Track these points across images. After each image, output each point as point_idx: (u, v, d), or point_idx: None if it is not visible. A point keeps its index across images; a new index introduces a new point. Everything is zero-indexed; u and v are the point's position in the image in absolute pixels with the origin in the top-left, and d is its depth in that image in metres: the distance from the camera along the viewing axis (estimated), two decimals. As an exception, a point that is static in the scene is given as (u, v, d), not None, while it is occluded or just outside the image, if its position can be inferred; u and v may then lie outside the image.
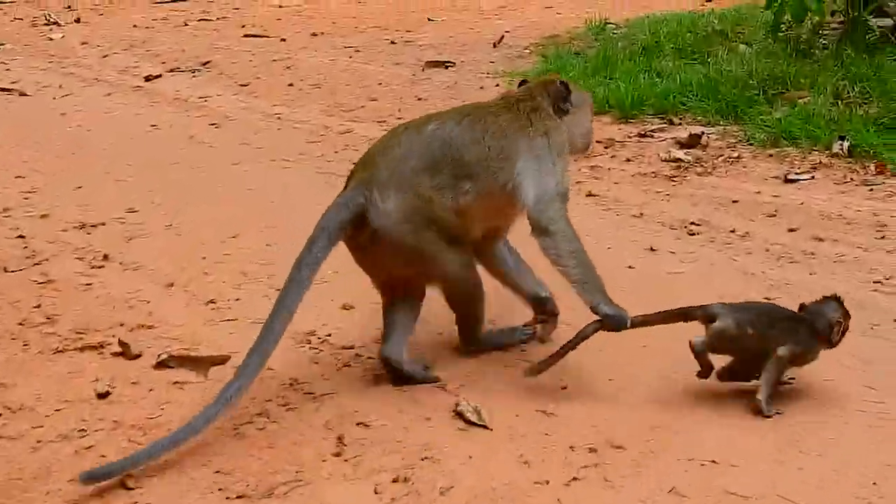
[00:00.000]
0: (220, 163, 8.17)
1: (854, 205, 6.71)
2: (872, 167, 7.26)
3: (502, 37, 12.19)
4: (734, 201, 6.91)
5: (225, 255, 6.19)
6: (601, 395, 4.55)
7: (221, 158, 8.29)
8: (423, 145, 4.63)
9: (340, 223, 4.54)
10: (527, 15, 13.63)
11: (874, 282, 5.57)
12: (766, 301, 5.00)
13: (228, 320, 5.36)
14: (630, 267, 5.86)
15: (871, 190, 6.94)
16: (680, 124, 8.53)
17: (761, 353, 4.32)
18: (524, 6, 14.20)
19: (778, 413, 4.29)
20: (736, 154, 7.80)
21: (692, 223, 6.53)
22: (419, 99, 9.92)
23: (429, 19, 13.69)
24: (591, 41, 11.68)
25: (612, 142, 8.28)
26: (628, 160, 7.90)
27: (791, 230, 6.35)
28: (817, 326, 4.39)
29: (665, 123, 8.56)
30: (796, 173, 7.33)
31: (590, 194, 7.16)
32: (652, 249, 6.12)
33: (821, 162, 7.48)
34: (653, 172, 7.54)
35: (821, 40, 9.99)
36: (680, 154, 7.81)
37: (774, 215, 6.62)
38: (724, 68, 9.39)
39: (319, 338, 5.11)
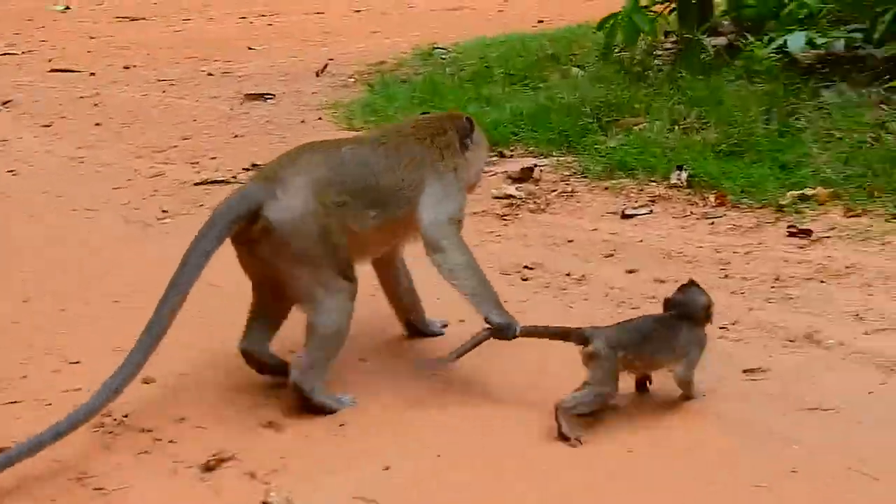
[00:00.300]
0: (15, 215, 7.53)
1: (695, 241, 6.38)
2: (712, 198, 6.95)
3: (326, 65, 11.69)
4: (569, 241, 6.51)
5: (13, 324, 5.54)
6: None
7: (17, 210, 7.63)
8: (337, 161, 4.68)
9: (235, 215, 4.49)
10: (352, 41, 13.15)
11: (720, 327, 5.19)
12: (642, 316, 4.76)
13: (12, 402, 4.72)
14: (461, 321, 5.39)
15: (712, 224, 6.62)
16: (511, 157, 8.10)
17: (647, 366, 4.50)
18: (350, 32, 13.72)
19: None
20: (570, 188, 7.43)
21: (525, 267, 6.11)
22: (236, 136, 9.40)
23: (249, 48, 13.07)
24: (419, 67, 11.24)
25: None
26: (457, 199, 7.44)
27: (630, 272, 5.99)
28: (693, 315, 4.54)
29: (496, 156, 8.12)
30: (633, 208, 6.98)
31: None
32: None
33: (659, 194, 7.15)
34: (483, 211, 7.10)
35: (655, 62, 9.70)
36: (511, 190, 7.40)
37: (612, 255, 6.25)
38: (556, 94, 9.03)
39: (115, 419, 4.52)
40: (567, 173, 7.71)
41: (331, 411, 4.55)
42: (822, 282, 5.69)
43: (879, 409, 4.44)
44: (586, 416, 4.33)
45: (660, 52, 9.93)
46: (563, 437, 4.24)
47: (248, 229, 4.48)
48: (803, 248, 6.18)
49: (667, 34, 9.98)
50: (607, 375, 4.34)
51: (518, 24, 12.96)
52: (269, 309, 4.78)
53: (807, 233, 6.31)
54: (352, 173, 4.65)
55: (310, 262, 4.51)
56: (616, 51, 9.77)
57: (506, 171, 7.80)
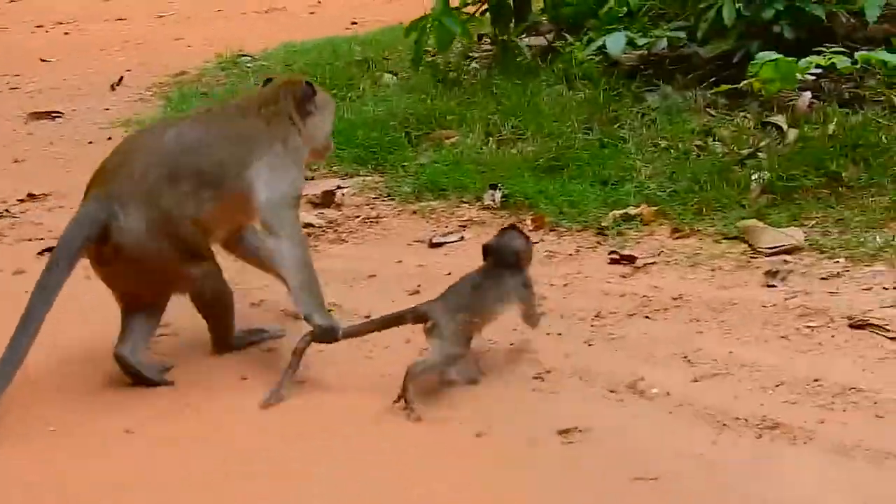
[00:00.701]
0: None
1: (508, 272, 5.75)
2: (529, 221, 6.36)
3: (121, 78, 10.86)
4: (371, 276, 5.90)
5: None
6: None
7: None
8: (163, 153, 4.69)
9: (82, 240, 4.58)
10: (153, 49, 12.24)
11: (534, 377, 4.65)
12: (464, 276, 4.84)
13: None
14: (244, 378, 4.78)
15: (528, 251, 6.01)
16: (313, 178, 7.43)
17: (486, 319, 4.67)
18: (152, 39, 12.80)
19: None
20: (376, 213, 6.84)
21: (321, 310, 5.42)
22: (16, 161, 8.58)
23: (42, 60, 12.13)
24: (223, 77, 10.51)
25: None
26: (252, 231, 6.77)
27: (435, 312, 5.33)
28: (510, 261, 4.74)
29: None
30: (443, 234, 6.38)
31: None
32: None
33: (471, 218, 6.60)
34: (278, 244, 6.42)
35: (471, 67, 9.13)
36: (311, 217, 6.73)
37: (417, 292, 5.62)
38: (364, 106, 8.39)
39: None
40: (373, 196, 7.11)
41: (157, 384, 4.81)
42: (647, 317, 5.19)
43: (711, 475, 3.94)
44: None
45: (476, 56, 9.36)
46: (405, 404, 4.36)
47: (99, 249, 4.59)
48: (627, 277, 5.67)
49: (480, 37, 9.41)
50: (455, 336, 4.46)
51: (331, 27, 12.26)
52: (137, 313, 4.82)
53: (630, 259, 5.79)
54: (180, 159, 4.66)
55: (168, 265, 4.68)
56: (428, 56, 9.16)
57: (307, 195, 7.13)
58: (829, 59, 6.22)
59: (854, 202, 6.13)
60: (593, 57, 8.08)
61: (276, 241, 4.72)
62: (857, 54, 6.28)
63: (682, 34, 7.87)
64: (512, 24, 8.72)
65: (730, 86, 6.94)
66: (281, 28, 12.59)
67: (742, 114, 7.29)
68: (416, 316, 4.55)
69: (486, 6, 8.59)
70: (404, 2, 11.63)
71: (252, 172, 4.71)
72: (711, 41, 7.71)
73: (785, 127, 6.91)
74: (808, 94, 7.02)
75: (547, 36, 9.20)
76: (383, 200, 7.01)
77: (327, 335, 4.66)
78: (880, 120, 6.79)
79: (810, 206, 6.14)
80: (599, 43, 7.89)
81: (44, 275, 4.53)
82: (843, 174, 6.25)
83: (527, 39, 9.26)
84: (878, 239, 5.70)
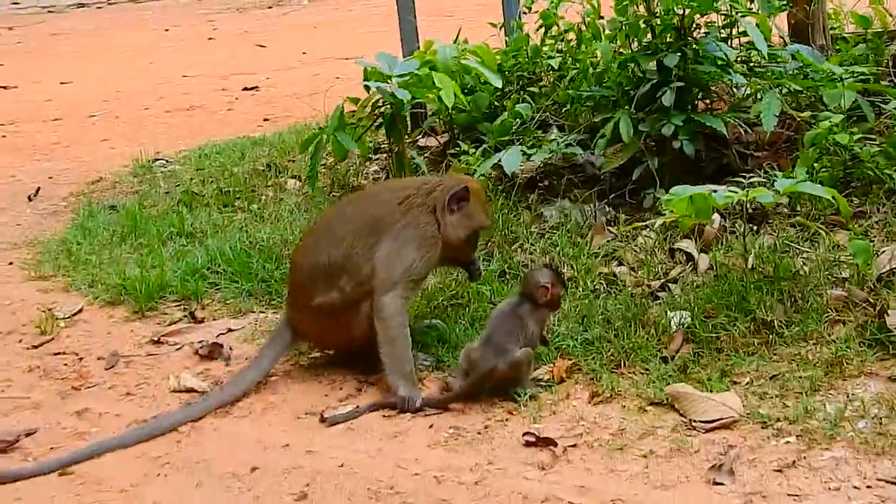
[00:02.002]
0: None
1: (409, 461, 3.92)
2: (432, 386, 4.40)
3: (38, 189, 8.68)
4: (253, 468, 3.94)
5: None
6: None
7: None
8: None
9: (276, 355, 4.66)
10: (78, 152, 10.03)
11: None
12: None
13: None
14: None
15: (433, 428, 4.08)
16: (203, 320, 5.42)
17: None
18: (79, 140, 10.59)
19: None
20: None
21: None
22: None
23: (-31, 166, 9.91)
24: (136, 185, 8.41)
25: (117, 358, 5.09)
26: (128, 394, 4.76)
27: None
28: (528, 293, 4.28)
29: (187, 319, 5.46)
30: (339, 401, 4.42)
31: (63, 473, 4.03)
32: None
33: (367, 379, 4.58)
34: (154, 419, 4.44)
35: (370, 173, 7.17)
36: (193, 380, 4.75)
37: (304, 497, 3.67)
38: (259, 226, 6.39)
39: None
40: (258, 346, 5.09)
41: None
42: (578, 542, 3.27)
43: None
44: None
45: (374, 162, 7.41)
46: None
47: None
48: (547, 469, 3.78)
49: (377, 150, 7.45)
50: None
51: (244, 125, 10.23)
52: None
53: (549, 442, 3.90)
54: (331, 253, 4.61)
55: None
56: (327, 166, 7.19)
57: (196, 343, 5.14)
58: (750, 192, 4.33)
59: (788, 352, 4.28)
60: (489, 172, 6.14)
61: (379, 322, 4.40)
62: (778, 185, 4.42)
63: (578, 149, 5.96)
64: (406, 136, 6.74)
65: (641, 223, 5.05)
66: (201, 126, 10.51)
67: (644, 233, 5.42)
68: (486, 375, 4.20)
69: (380, 120, 6.63)
70: (311, 101, 9.67)
71: (379, 253, 4.45)
72: (608, 155, 5.82)
73: (695, 254, 5.04)
74: (717, 217, 5.16)
75: (440, 138, 7.28)
76: (277, 349, 5.01)
77: (405, 404, 4.25)
78: (796, 243, 4.95)
79: (740, 359, 4.27)
80: (495, 160, 5.95)
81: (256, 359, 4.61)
82: (769, 317, 4.38)
83: (422, 141, 7.36)
84: (827, 408, 3.86)
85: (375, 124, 6.78)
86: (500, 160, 5.90)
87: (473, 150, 6.59)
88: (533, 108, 6.51)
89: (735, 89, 6.12)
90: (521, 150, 5.93)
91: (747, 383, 4.11)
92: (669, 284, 4.88)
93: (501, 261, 5.42)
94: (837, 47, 6.70)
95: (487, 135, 6.81)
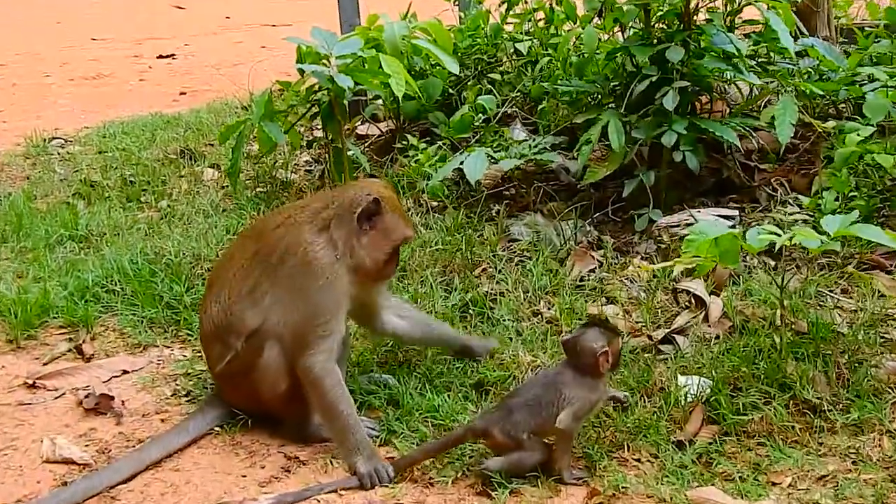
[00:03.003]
0: None
1: None
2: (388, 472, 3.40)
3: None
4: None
5: None
6: None
7: None
8: None
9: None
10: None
11: None
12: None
13: None
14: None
15: None
16: (93, 357, 4.37)
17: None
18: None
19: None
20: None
21: None
22: None
23: None
24: (28, 169, 7.21)
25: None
26: (-12, 465, 3.69)
27: None
28: (582, 367, 3.31)
29: (74, 355, 4.39)
30: (259, 491, 3.39)
31: None
32: None
33: (296, 454, 3.58)
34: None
35: (300, 174, 6.13)
36: (71, 449, 3.70)
37: None
38: (168, 231, 5.33)
39: None
40: (168, 393, 4.10)
41: None
42: None
43: None
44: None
45: (305, 158, 6.36)
46: None
47: None
48: None
49: (310, 144, 6.39)
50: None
51: (157, 98, 9.07)
52: None
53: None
54: None
55: None
56: (251, 161, 6.13)
57: (76, 392, 4.08)
58: (796, 234, 3.39)
59: (840, 445, 3.36)
60: (447, 179, 5.16)
61: (305, 387, 3.54)
62: (828, 226, 3.46)
63: (554, 155, 5.00)
64: (346, 128, 5.69)
65: (650, 267, 4.08)
66: (107, 99, 9.31)
67: (636, 258, 4.49)
68: (476, 433, 3.36)
69: (316, 109, 5.58)
70: (234, 73, 8.55)
71: (266, 303, 3.60)
72: (592, 165, 4.85)
73: (706, 298, 4.11)
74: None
75: (382, 126, 6.27)
76: (181, 403, 3.99)
77: (369, 480, 3.36)
78: (828, 288, 4.04)
79: (777, 451, 3.36)
80: (455, 164, 4.96)
81: None
82: (812, 394, 3.47)
83: (362, 128, 6.35)
84: (901, 530, 2.94)
85: (310, 113, 5.72)
86: (461, 164, 4.90)
87: (424, 146, 5.61)
88: (497, 101, 5.51)
89: (738, 90, 5.19)
90: (487, 154, 4.94)
91: (790, 485, 3.20)
92: (675, 336, 3.94)
93: (463, 290, 4.44)
94: (843, 40, 5.82)
95: (440, 127, 5.83)
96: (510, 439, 3.28)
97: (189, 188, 6.26)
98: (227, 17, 13.17)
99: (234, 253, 3.76)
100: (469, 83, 5.92)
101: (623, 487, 3.24)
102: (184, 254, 4.97)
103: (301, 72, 5.35)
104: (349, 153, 5.49)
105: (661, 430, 3.45)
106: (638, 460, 3.39)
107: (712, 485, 3.19)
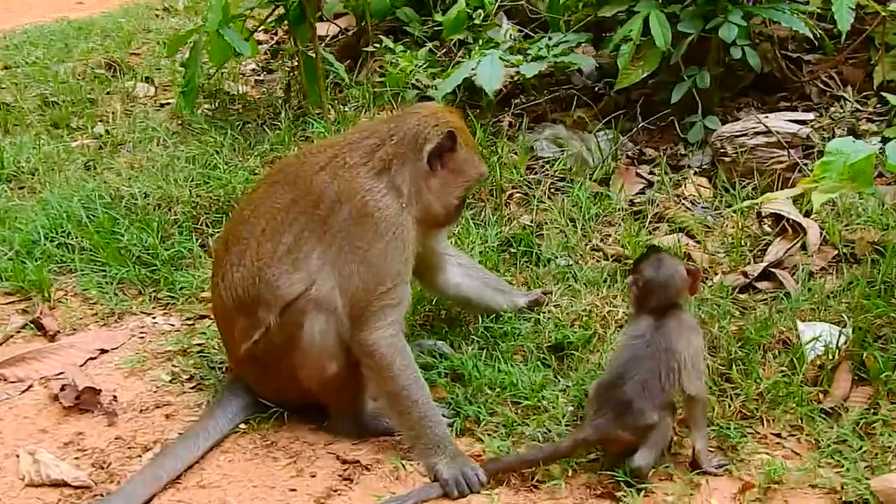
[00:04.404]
0: None
1: None
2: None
3: None
4: None
5: None
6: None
7: None
8: None
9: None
10: None
11: None
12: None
13: None
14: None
15: None
16: (57, 334, 3.51)
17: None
18: None
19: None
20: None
21: None
22: None
23: None
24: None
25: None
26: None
27: None
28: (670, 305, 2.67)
29: (33, 331, 3.54)
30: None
31: None
32: None
33: (358, 458, 2.84)
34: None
35: (263, 89, 5.24)
36: (62, 468, 2.90)
37: None
38: (120, 168, 4.44)
39: None
40: (167, 379, 3.27)
41: None
42: None
43: None
44: None
45: (256, 70, 5.45)
46: None
47: None
48: None
49: (276, 53, 5.44)
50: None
51: (56, 4, 7.84)
52: None
53: None
54: None
55: None
56: (205, 81, 5.15)
57: (47, 383, 3.25)
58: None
59: None
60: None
61: (367, 370, 2.75)
62: None
63: (582, 57, 4.22)
64: (315, 33, 4.77)
65: (750, 202, 3.32)
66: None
67: (696, 180, 3.80)
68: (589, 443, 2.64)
69: (281, 11, 4.65)
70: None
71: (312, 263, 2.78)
72: (626, 66, 4.08)
73: (801, 221, 3.44)
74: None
75: (340, 23, 5.39)
76: (185, 391, 3.19)
77: (455, 488, 2.60)
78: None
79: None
80: (464, 73, 4.14)
81: None
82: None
83: (320, 29, 5.42)
84: None
85: (273, 17, 4.80)
86: (472, 72, 4.09)
87: (402, 50, 4.77)
88: (494, -8, 4.69)
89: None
90: (501, 58, 4.13)
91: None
92: (775, 271, 3.28)
93: (499, 225, 3.69)
94: None
95: (411, 24, 5.00)
96: (640, 432, 2.60)
97: (124, 108, 5.32)
98: None
99: (257, 204, 2.93)
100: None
101: (778, 477, 2.59)
102: (147, 195, 4.07)
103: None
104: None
105: (800, 397, 2.80)
106: (779, 436, 2.75)
107: (887, 465, 2.56)
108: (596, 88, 4.40)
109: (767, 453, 2.67)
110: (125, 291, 3.71)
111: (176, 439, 2.92)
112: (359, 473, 2.78)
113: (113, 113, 5.27)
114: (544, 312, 3.24)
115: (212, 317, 3.25)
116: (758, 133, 3.74)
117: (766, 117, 3.80)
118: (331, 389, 2.85)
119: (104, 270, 3.77)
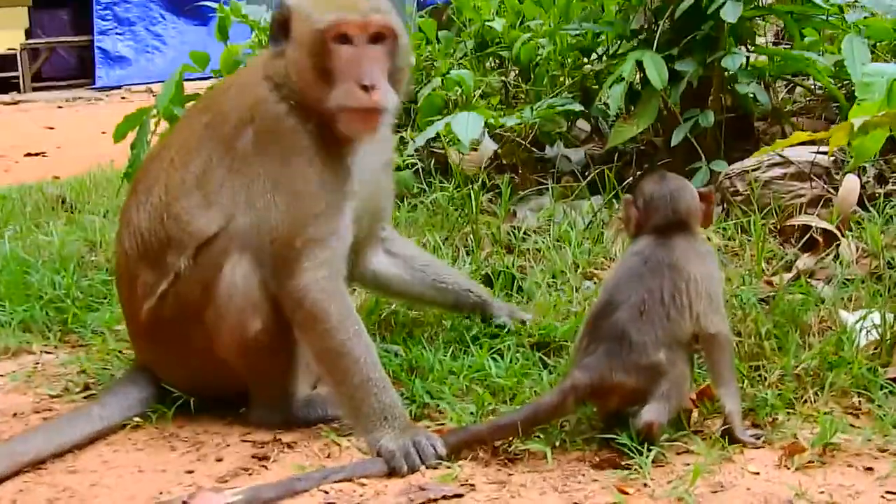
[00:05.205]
0: None
1: None
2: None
3: None
4: None
5: None
6: None
7: None
8: None
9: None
10: None
11: None
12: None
13: None
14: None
15: None
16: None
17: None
18: None
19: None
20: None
21: None
22: None
23: None
24: None
25: None
26: None
27: None
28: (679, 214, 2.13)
29: None
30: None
31: None
32: None
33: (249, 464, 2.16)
34: None
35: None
36: None
37: None
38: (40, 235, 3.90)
39: None
40: (57, 390, 2.60)
41: None
42: None
43: None
44: None
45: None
46: None
47: None
48: None
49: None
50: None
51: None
52: None
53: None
54: None
55: None
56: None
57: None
58: None
59: None
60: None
61: (298, 325, 2.15)
62: None
63: (575, 104, 3.78)
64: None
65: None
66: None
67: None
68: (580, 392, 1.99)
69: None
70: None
71: (224, 194, 2.25)
72: (619, 123, 3.66)
73: (833, 230, 2.90)
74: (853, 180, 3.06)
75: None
76: (74, 400, 2.54)
77: (402, 461, 1.99)
78: None
79: None
80: (437, 127, 3.70)
81: None
82: None
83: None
84: None
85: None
86: (447, 126, 3.65)
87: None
88: (477, 73, 4.33)
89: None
90: (483, 121, 3.68)
91: None
92: (809, 281, 2.72)
93: (474, 265, 3.13)
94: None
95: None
96: (644, 375, 1.96)
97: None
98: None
99: (173, 135, 2.41)
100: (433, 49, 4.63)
101: (833, 446, 1.93)
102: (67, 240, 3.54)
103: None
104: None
105: (856, 367, 2.18)
106: (830, 414, 2.10)
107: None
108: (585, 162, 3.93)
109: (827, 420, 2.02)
110: (27, 332, 3.09)
111: (51, 421, 2.26)
112: (277, 451, 2.11)
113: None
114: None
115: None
116: (772, 165, 3.27)
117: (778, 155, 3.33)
118: (254, 360, 2.21)
119: (5, 310, 3.16)
